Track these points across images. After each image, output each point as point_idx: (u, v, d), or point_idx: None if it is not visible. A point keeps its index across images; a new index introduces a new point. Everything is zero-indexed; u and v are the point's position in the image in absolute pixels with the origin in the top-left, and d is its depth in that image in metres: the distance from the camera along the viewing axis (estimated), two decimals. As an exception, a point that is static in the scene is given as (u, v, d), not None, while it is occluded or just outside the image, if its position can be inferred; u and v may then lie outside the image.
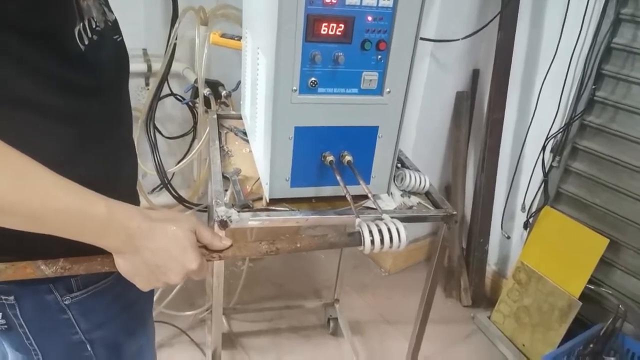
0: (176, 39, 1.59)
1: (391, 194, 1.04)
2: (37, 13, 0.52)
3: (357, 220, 0.74)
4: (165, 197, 1.88)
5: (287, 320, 1.91)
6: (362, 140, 0.95)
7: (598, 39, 1.54)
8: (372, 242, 0.69)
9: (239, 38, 1.42)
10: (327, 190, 0.99)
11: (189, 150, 1.92)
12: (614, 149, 1.61)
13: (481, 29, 1.81)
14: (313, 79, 0.86)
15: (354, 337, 1.82)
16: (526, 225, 1.93)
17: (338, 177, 0.88)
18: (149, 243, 0.56)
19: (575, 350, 1.60)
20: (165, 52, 1.59)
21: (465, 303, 2.11)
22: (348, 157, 0.93)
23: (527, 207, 1.93)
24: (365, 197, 0.97)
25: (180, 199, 1.84)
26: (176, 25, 1.55)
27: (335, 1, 0.81)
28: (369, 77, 0.89)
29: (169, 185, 1.79)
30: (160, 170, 1.73)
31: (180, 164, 1.67)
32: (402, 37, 0.87)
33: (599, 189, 1.68)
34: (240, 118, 1.39)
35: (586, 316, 1.71)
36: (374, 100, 0.92)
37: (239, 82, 1.68)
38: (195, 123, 1.85)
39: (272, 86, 0.85)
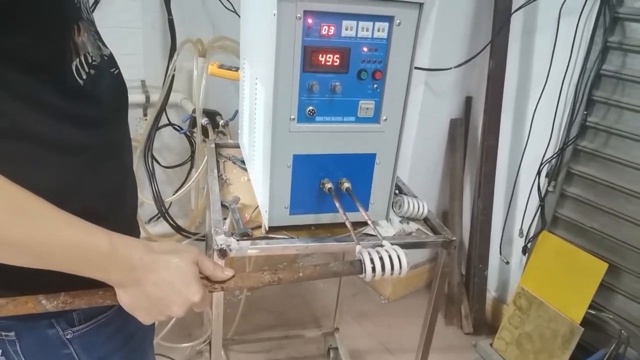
0: (174, 70, 1.62)
1: (390, 220, 1.04)
2: (34, 48, 0.53)
3: (358, 248, 0.74)
4: (162, 227, 1.88)
5: (286, 351, 1.87)
6: (360, 167, 0.96)
7: (587, 65, 1.58)
8: (374, 269, 0.69)
9: (237, 69, 1.45)
10: (326, 218, 0.99)
11: (186, 179, 1.92)
12: (609, 173, 1.62)
13: (473, 57, 1.85)
14: (311, 107, 0.88)
15: (354, 367, 1.78)
16: (525, 250, 1.93)
17: (337, 204, 0.89)
18: (151, 276, 0.56)
19: (579, 377, 1.58)
20: (164, 83, 1.61)
21: (466, 330, 2.09)
22: (347, 184, 0.94)
23: (524, 232, 1.93)
24: (364, 223, 0.97)
25: (177, 228, 1.84)
26: (175, 57, 1.58)
27: (332, 33, 0.83)
28: (366, 106, 0.91)
29: (166, 215, 1.79)
30: (158, 199, 1.73)
31: (178, 193, 1.68)
32: (397, 67, 0.89)
33: (596, 214, 1.69)
34: (238, 147, 1.40)
35: (589, 342, 1.69)
36: (371, 128, 0.93)
37: (237, 112, 1.70)
38: (193, 152, 1.86)
39: (271, 115, 0.86)
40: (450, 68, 1.83)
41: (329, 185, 0.93)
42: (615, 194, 1.62)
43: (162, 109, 1.66)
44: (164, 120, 1.74)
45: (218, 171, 1.23)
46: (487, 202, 1.96)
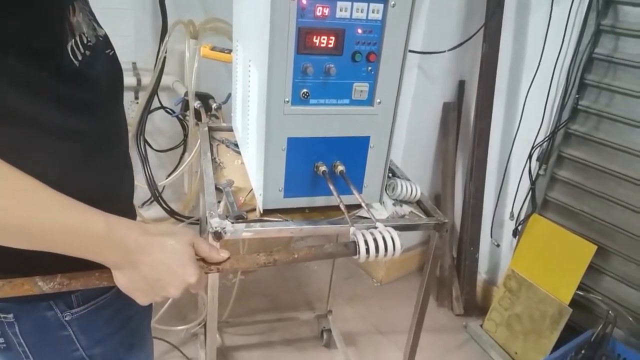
0: (166, 52, 1.60)
1: (383, 203, 1.05)
2: (28, 30, 0.52)
3: (352, 230, 0.74)
4: (156, 211, 1.88)
5: (280, 333, 1.90)
6: (354, 150, 0.96)
7: (580, 49, 1.58)
8: (367, 250, 0.70)
9: (229, 51, 1.44)
10: (320, 200, 0.99)
11: (179, 163, 1.91)
12: (599, 156, 1.64)
13: (466, 40, 1.85)
14: (305, 90, 0.88)
15: (348, 348, 1.81)
16: (515, 233, 1.96)
17: (331, 187, 0.89)
18: (147, 257, 0.57)
19: (567, 356, 1.61)
20: (155, 65, 1.59)
21: (457, 312, 2.12)
22: (340, 167, 0.94)
23: (515, 215, 1.96)
24: (358, 206, 0.97)
25: (171, 212, 1.83)
26: (166, 38, 1.56)
27: (326, 14, 0.83)
28: (360, 88, 0.91)
29: (159, 198, 1.78)
30: (151, 183, 1.72)
31: (171, 176, 1.67)
32: (391, 49, 0.88)
33: (586, 197, 1.71)
34: (232, 130, 1.39)
35: (577, 322, 1.73)
36: (365, 110, 0.93)
37: (229, 95, 1.69)
38: (186, 136, 1.85)
39: (265, 98, 0.86)
40: (444, 51, 1.83)
41: (323, 168, 0.93)
42: (605, 178, 1.64)
43: (154, 92, 1.64)
44: (155, 104, 1.72)
45: (212, 154, 1.22)
46: (478, 186, 1.97)
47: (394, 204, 1.07)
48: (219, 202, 1.00)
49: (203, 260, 0.64)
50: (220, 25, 1.71)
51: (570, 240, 1.74)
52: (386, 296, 2.21)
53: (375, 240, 0.70)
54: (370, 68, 0.90)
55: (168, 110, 1.76)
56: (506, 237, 2.03)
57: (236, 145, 1.29)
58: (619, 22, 1.50)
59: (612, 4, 1.51)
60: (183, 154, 1.90)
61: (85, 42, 0.62)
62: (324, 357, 1.82)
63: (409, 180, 1.10)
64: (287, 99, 0.87)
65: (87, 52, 0.61)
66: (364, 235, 0.70)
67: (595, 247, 1.67)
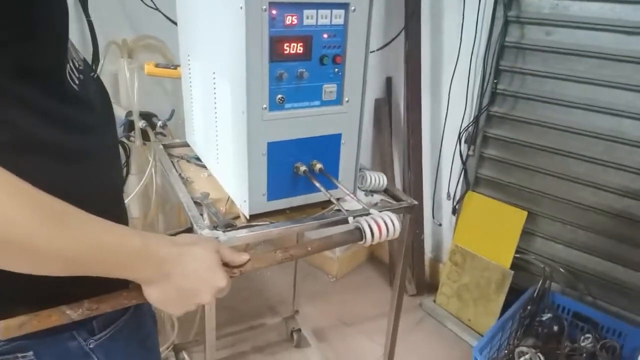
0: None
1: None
2: (40, 55, 0.52)
3: (351, 219, 0.80)
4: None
5: (250, 342, 1.90)
6: (328, 148, 1.02)
7: (492, 39, 1.77)
8: (372, 234, 0.76)
9: (175, 67, 1.43)
10: (298, 200, 1.04)
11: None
12: (518, 132, 1.84)
13: (391, 41, 1.98)
14: (280, 95, 0.92)
15: (320, 344, 1.86)
16: (454, 211, 2.13)
17: (317, 184, 0.94)
18: (179, 268, 0.58)
19: (516, 314, 1.79)
20: (91, 88, 1.53)
21: (410, 293, 2.25)
22: (319, 165, 0.99)
23: (452, 195, 2.13)
24: (330, 202, 1.03)
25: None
26: (102, 60, 1.51)
27: (295, 22, 0.88)
28: (329, 89, 0.97)
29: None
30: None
31: (126, 200, 1.61)
32: (354, 50, 0.96)
33: (512, 169, 1.91)
34: (187, 145, 1.39)
35: (519, 283, 1.92)
36: (335, 110, 1.00)
37: (173, 111, 1.67)
38: (128, 158, 1.79)
39: (245, 107, 0.89)
40: (373, 51, 1.94)
41: (303, 168, 0.98)
42: (525, 150, 1.84)
43: (91, 116, 1.58)
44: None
45: (176, 171, 1.22)
46: (417, 173, 2.11)
47: (365, 195, 1.14)
48: (201, 214, 1.01)
49: (226, 264, 0.66)
50: (151, 42, 1.68)
51: (503, 210, 1.93)
52: (343, 290, 2.29)
53: (377, 224, 0.76)
54: (337, 69, 0.96)
55: (107, 133, 1.69)
56: (446, 216, 2.20)
57: (197, 159, 1.29)
58: (522, 12, 1.71)
59: (515, -3, 1.72)
60: (126, 177, 1.83)
61: (77, 65, 0.62)
62: (298, 357, 1.86)
63: (375, 171, 1.18)
64: (264, 106, 0.91)
65: (80, 76, 0.61)
66: (367, 222, 0.76)
67: (525, 213, 1.87)
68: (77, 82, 0.59)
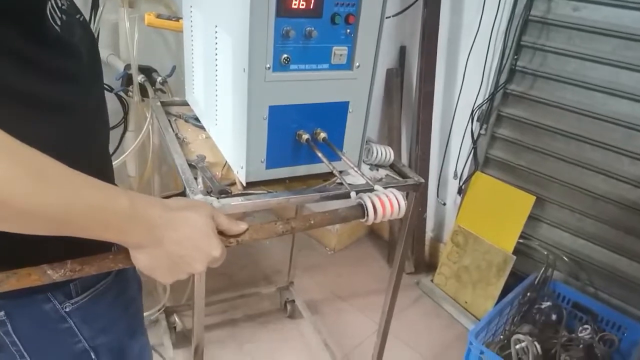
0: (98, 23, 1.46)
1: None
2: None
3: (353, 194, 0.74)
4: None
5: (242, 310, 1.88)
6: (334, 116, 0.95)
7: (516, 12, 1.66)
8: (375, 213, 0.70)
9: (177, 19, 1.35)
10: (300, 170, 0.98)
11: (120, 143, 1.78)
12: (534, 113, 1.76)
13: (407, 7, 1.88)
14: (285, 55, 0.85)
15: (313, 316, 1.83)
16: (460, 191, 2.06)
17: (320, 154, 0.88)
18: (172, 233, 0.53)
19: (515, 300, 1.75)
20: (89, 38, 1.45)
21: (408, 270, 2.21)
22: (323, 134, 0.93)
23: (459, 174, 2.06)
24: (333, 174, 0.97)
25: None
26: (100, 8, 1.42)
27: (306, -26, 0.80)
28: (339, 52, 0.90)
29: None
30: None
31: (120, 159, 1.55)
32: (369, 10, 0.88)
33: (523, 152, 1.84)
34: (186, 104, 1.32)
35: (520, 269, 1.88)
36: (344, 75, 0.92)
37: (174, 67, 1.59)
38: (126, 114, 1.72)
39: (246, 65, 0.82)
40: (389, 17, 1.84)
41: (305, 136, 0.91)
42: (540, 133, 1.76)
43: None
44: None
45: (173, 130, 1.15)
46: (424, 149, 2.04)
47: (370, 169, 1.08)
48: (196, 178, 0.95)
49: (222, 233, 0.61)
50: (155, -8, 1.59)
51: (511, 193, 1.87)
52: (341, 263, 2.25)
53: (381, 202, 0.70)
54: (349, 31, 0.88)
55: (105, 86, 1.62)
56: (451, 195, 2.14)
57: (196, 119, 1.23)
58: (551, -15, 1.60)
59: (544, -32, 1.60)
60: (124, 133, 1.77)
61: (60, 4, 0.55)
62: (290, 328, 1.83)
63: (382, 144, 1.11)
64: (268, 66, 0.84)
65: (64, 17, 0.55)
66: (370, 198, 0.70)
67: (534, 198, 1.81)
68: (58, 22, 0.53)
